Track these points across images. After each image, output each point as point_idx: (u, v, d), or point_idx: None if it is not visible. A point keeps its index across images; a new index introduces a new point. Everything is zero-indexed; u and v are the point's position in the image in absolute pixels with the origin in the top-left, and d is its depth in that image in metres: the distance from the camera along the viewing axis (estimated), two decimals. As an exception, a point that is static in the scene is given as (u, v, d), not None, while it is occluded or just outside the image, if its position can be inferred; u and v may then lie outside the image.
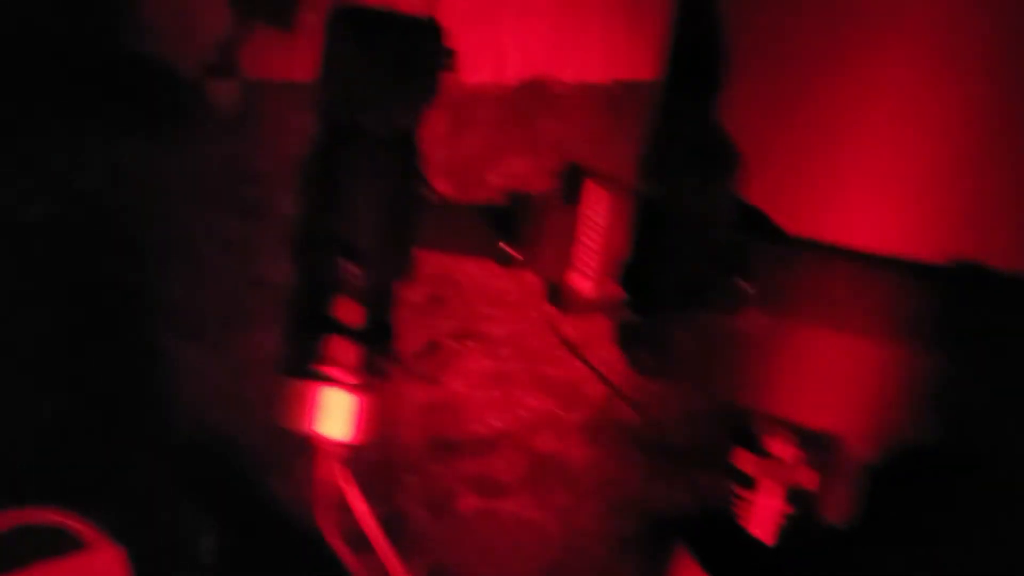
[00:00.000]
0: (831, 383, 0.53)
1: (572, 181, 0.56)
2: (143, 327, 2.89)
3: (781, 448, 0.58)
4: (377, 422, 0.58)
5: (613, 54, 4.74)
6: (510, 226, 0.57)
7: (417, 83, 0.54)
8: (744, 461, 0.60)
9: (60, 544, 0.85)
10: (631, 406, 2.59)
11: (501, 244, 0.56)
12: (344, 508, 0.63)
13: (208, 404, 2.54)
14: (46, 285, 2.62)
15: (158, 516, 2.03)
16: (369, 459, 2.50)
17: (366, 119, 0.53)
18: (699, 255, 0.51)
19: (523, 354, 2.83)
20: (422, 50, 0.54)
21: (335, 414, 0.58)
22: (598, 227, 0.53)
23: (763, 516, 0.60)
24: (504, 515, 2.19)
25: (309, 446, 0.66)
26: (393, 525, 2.32)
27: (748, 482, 0.60)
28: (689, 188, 0.52)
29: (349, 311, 0.58)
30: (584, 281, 0.54)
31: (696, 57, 0.55)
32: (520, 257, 0.56)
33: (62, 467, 2.02)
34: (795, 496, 0.59)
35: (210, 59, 4.21)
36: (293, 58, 4.59)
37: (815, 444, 0.58)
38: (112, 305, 2.89)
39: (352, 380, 0.57)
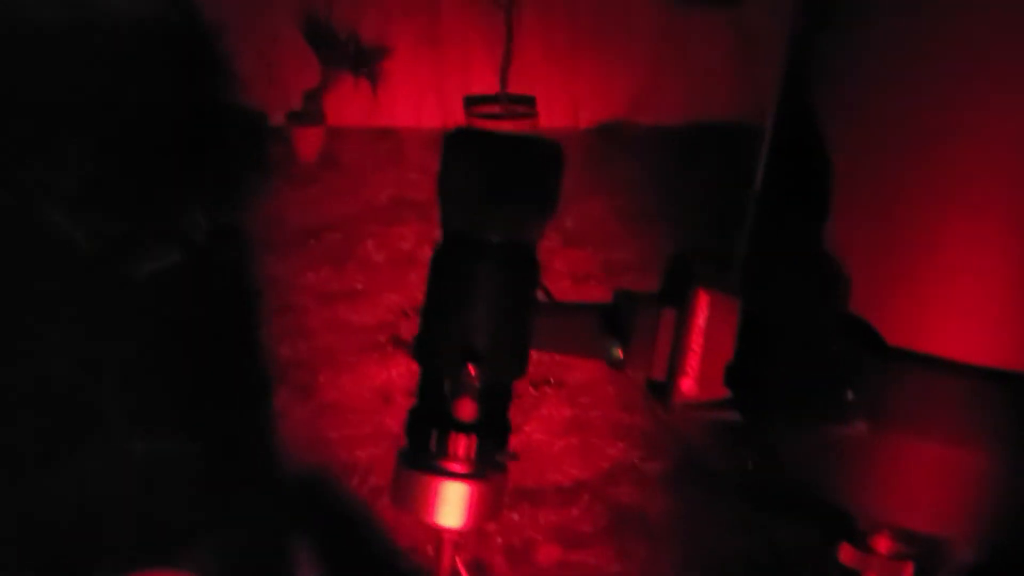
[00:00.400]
0: (933, 489, 0.53)
1: (678, 281, 0.57)
2: (233, 371, 3.00)
3: (886, 546, 0.58)
4: (493, 509, 0.60)
5: (689, 98, 4.74)
6: (618, 326, 0.59)
7: (538, 201, 0.57)
8: (848, 555, 0.60)
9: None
10: (711, 467, 2.52)
11: (611, 346, 0.58)
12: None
13: (294, 444, 2.61)
14: (144, 333, 2.75)
15: (261, 555, 2.09)
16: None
17: (488, 233, 0.56)
18: (804, 363, 0.52)
19: (602, 401, 2.83)
20: (544, 171, 0.57)
21: (451, 504, 0.61)
22: (704, 329, 0.55)
23: None
24: (584, 566, 2.19)
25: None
26: (473, 573, 2.34)
27: (850, 574, 0.60)
28: (793, 297, 0.53)
29: (467, 408, 0.60)
30: (689, 382, 0.56)
31: (797, 170, 0.56)
32: (627, 357, 0.58)
33: (165, 507, 2.10)
34: None
35: (296, 107, 4.37)
36: (374, 106, 4.73)
37: (918, 545, 0.58)
38: (205, 351, 3.01)
39: (468, 472, 0.59)
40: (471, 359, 0.58)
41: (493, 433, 0.61)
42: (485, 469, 0.61)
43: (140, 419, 2.35)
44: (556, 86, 4.37)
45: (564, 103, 4.45)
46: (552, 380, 2.81)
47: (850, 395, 0.52)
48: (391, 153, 4.18)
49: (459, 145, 0.58)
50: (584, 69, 4.39)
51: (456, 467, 0.60)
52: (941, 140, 0.52)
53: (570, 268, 3.35)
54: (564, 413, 2.70)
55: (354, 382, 2.84)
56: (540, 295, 0.63)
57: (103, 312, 2.44)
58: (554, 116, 4.42)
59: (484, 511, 0.61)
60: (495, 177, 0.57)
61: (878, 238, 0.54)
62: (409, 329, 3.05)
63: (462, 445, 0.60)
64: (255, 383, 2.79)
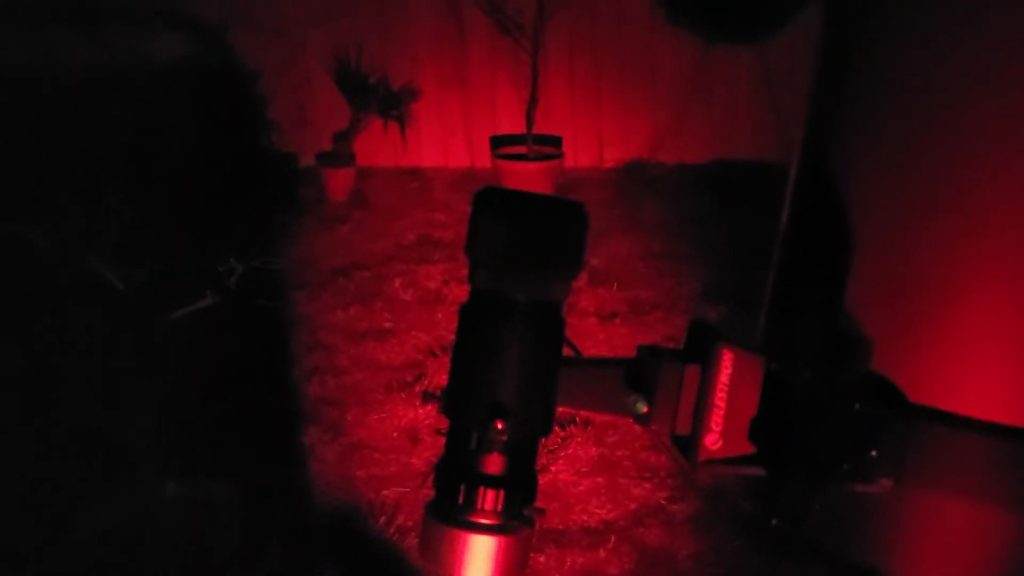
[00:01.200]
0: (958, 548, 0.54)
1: (701, 340, 0.59)
2: (264, 409, 3.04)
3: None
4: (521, 564, 0.62)
5: (712, 136, 4.78)
6: (642, 381, 0.61)
7: (564, 262, 0.60)
8: None
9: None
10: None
11: (635, 402, 0.60)
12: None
13: (323, 483, 2.64)
14: (176, 375, 2.80)
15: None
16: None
17: (514, 291, 0.59)
18: (828, 421, 0.53)
19: (628, 441, 2.83)
20: (569, 231, 0.60)
21: (478, 558, 0.63)
22: (728, 385, 0.57)
23: None
24: (612, 609, 2.18)
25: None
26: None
27: None
28: (815, 356, 0.55)
29: (494, 463, 0.63)
30: (714, 437, 0.57)
31: (821, 222, 0.58)
32: (652, 412, 0.60)
33: (197, 547, 2.13)
34: None
35: (326, 148, 4.46)
36: (402, 147, 4.81)
37: None
38: (236, 390, 3.05)
39: (495, 526, 0.61)
40: (498, 415, 0.61)
41: (520, 487, 0.63)
42: (512, 523, 0.63)
43: (172, 460, 2.39)
44: (581, 126, 4.43)
45: (589, 143, 4.51)
46: (578, 419, 2.81)
47: (874, 453, 0.53)
48: (419, 193, 4.25)
49: (487, 205, 0.61)
50: (608, 109, 4.44)
51: (483, 521, 0.62)
52: (967, 191, 0.53)
53: (596, 306, 3.37)
54: (590, 453, 2.70)
55: (381, 421, 2.86)
56: (565, 349, 0.66)
57: (136, 354, 2.50)
58: (579, 156, 4.47)
59: (511, 566, 0.63)
60: (522, 239, 0.60)
61: (900, 296, 0.56)
62: (435, 368, 3.08)
63: (489, 499, 0.62)
64: (285, 421, 2.83)
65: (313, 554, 2.25)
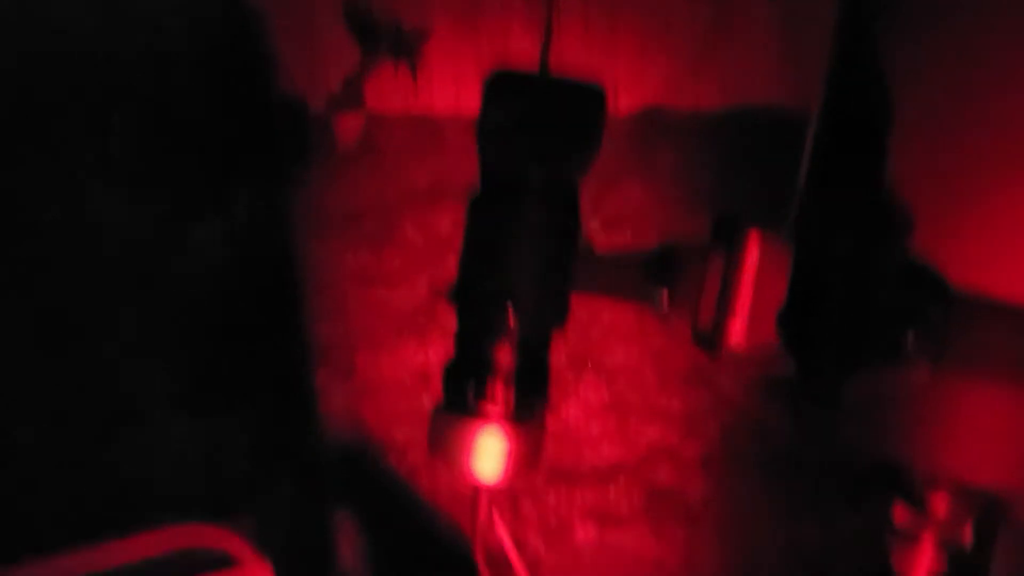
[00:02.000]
0: (997, 441, 0.51)
1: (728, 228, 0.56)
2: (273, 351, 3.05)
3: (942, 505, 0.56)
4: (532, 459, 0.60)
5: (730, 82, 4.69)
6: (663, 271, 0.58)
7: (578, 135, 0.57)
8: (902, 515, 0.58)
9: (212, 561, 0.91)
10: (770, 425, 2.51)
11: (655, 290, 0.57)
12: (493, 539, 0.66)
13: (333, 423, 2.65)
14: (186, 312, 2.80)
15: (302, 527, 2.13)
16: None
17: (528, 170, 0.56)
18: (862, 307, 0.50)
19: (641, 385, 2.82)
20: (584, 105, 0.57)
21: (488, 452, 0.61)
22: (755, 272, 0.53)
23: (919, 571, 0.58)
24: (621, 547, 2.18)
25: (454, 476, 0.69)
26: (509, 530, 2.35)
27: (904, 537, 0.58)
28: (850, 239, 0.52)
29: (505, 354, 0.60)
30: (739, 329, 0.54)
31: (854, 106, 0.54)
32: (673, 302, 0.57)
33: (206, 483, 2.15)
34: (952, 556, 0.57)
35: (336, 92, 4.40)
36: (414, 92, 4.75)
37: (978, 504, 0.56)
38: (247, 334, 3.06)
39: (506, 420, 0.59)
40: (511, 302, 0.58)
41: (532, 380, 0.61)
42: (523, 416, 0.61)
43: (181, 398, 2.39)
44: (596, 72, 4.35)
45: (605, 89, 4.43)
46: (590, 363, 2.80)
47: (911, 339, 0.50)
48: (430, 137, 4.19)
49: (499, 83, 0.58)
50: (623, 54, 4.36)
51: (494, 413, 0.60)
52: None
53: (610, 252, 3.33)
54: (602, 396, 2.69)
55: (392, 364, 2.85)
56: (585, 244, 0.62)
57: (146, 292, 2.48)
58: (593, 101, 4.40)
59: (521, 459, 0.61)
60: (535, 111, 0.57)
61: (944, 172, 0.52)
62: (446, 312, 3.06)
63: (500, 391, 0.60)
64: (295, 363, 2.82)
65: (324, 487, 2.26)
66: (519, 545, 2.18)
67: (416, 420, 2.81)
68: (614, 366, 2.89)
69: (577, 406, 2.70)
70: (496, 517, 0.65)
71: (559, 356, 2.75)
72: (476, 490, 0.63)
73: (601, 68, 5.08)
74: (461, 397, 0.59)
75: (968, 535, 0.57)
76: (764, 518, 2.13)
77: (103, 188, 1.86)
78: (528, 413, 0.60)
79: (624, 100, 4.88)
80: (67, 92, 2.31)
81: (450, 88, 4.78)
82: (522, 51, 4.64)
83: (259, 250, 3.07)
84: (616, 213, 3.67)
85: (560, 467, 2.37)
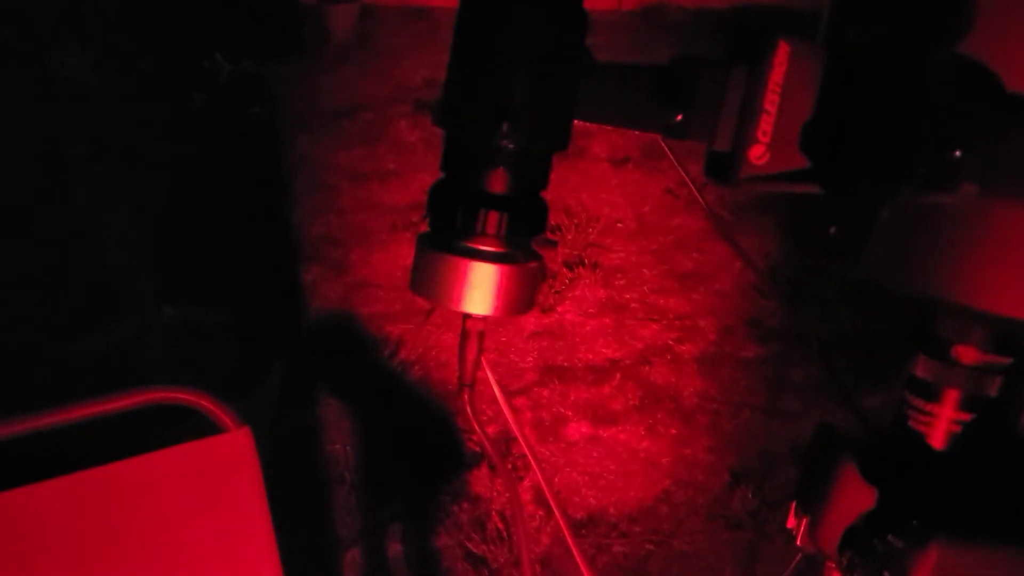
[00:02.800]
0: None
1: (751, 39, 0.49)
2: (268, 247, 2.99)
3: (967, 352, 0.51)
4: (525, 300, 0.54)
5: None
6: (677, 88, 0.50)
7: None
8: (924, 367, 0.53)
9: (198, 426, 0.88)
10: (764, 283, 2.45)
11: (669, 113, 0.50)
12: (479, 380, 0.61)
13: (325, 318, 2.61)
14: (175, 203, 2.73)
15: (291, 415, 2.11)
16: (481, 380, 2.52)
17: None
18: (902, 115, 0.43)
19: (637, 284, 2.76)
20: None
21: (479, 288, 0.54)
22: (782, 86, 0.46)
23: (940, 427, 0.53)
24: (614, 443, 2.17)
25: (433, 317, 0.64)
26: (503, 445, 2.35)
27: (927, 390, 0.53)
28: (894, 38, 0.44)
29: (499, 179, 0.53)
30: (760, 149, 0.48)
31: None
32: (687, 121, 0.50)
33: (195, 373, 2.12)
34: (977, 404, 0.52)
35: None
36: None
37: (1010, 342, 0.51)
38: (237, 224, 3.00)
39: (498, 253, 0.53)
40: (505, 118, 0.50)
41: (528, 211, 0.54)
42: (518, 252, 0.54)
43: (169, 286, 2.34)
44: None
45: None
46: (587, 261, 2.75)
47: (958, 153, 0.43)
48: (427, 33, 4.04)
49: None
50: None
51: (485, 246, 0.53)
52: None
53: (609, 152, 3.25)
54: (598, 294, 2.65)
55: (385, 260, 2.80)
56: (587, 59, 0.55)
57: (133, 181, 2.41)
58: (596, -3, 4.23)
59: (515, 299, 0.55)
60: None
61: None
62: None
63: (492, 222, 0.53)
64: (287, 258, 2.77)
65: (314, 379, 2.24)
66: (512, 439, 2.17)
67: (408, 317, 2.78)
68: (612, 265, 2.83)
69: (573, 305, 2.65)
70: (484, 363, 0.59)
71: (556, 252, 2.69)
72: (464, 328, 0.57)
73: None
74: (448, 231, 0.53)
75: (994, 387, 0.52)
76: (756, 416, 2.12)
77: (78, 53, 1.76)
78: (523, 246, 0.54)
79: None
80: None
81: (447, -22, 4.54)
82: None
83: (247, 140, 2.97)
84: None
85: (554, 364, 2.34)
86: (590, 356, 2.44)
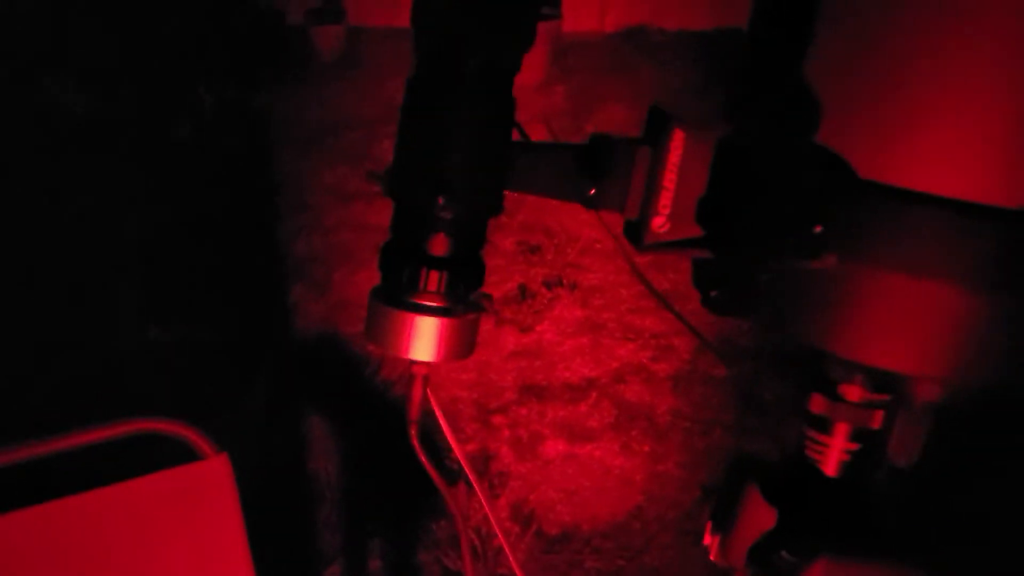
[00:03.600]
0: (901, 325, 0.52)
1: (655, 123, 0.56)
2: (252, 266, 3.04)
3: (852, 391, 0.59)
4: (465, 347, 0.61)
5: (716, 1, 4.59)
6: (593, 165, 0.58)
7: (515, 23, 0.55)
8: (819, 405, 0.61)
9: (177, 453, 0.93)
10: (717, 355, 2.56)
11: (585, 184, 0.57)
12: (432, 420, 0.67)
13: (309, 337, 2.66)
14: (162, 224, 2.78)
15: (274, 433, 2.16)
16: (460, 399, 2.60)
17: (463, 55, 0.55)
18: (774, 197, 0.50)
19: (614, 304, 2.83)
20: None
21: (422, 339, 0.61)
22: (678, 166, 0.54)
23: (831, 456, 0.61)
24: (589, 460, 2.23)
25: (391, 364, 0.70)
26: (480, 463, 2.40)
27: (821, 424, 0.60)
28: (769, 134, 0.52)
29: (439, 243, 0.60)
30: (661, 220, 0.55)
31: (780, 6, 0.54)
32: (600, 195, 0.57)
33: (174, 386, 2.16)
34: (863, 436, 0.60)
35: (315, 5, 4.29)
36: (395, 5, 4.63)
37: (885, 385, 0.58)
38: (222, 243, 3.05)
39: (439, 308, 0.60)
40: (443, 191, 0.58)
41: (465, 269, 0.61)
42: (457, 305, 0.61)
43: (155, 307, 2.39)
44: (582, -14, 4.25)
45: (590, 5, 4.33)
46: (565, 282, 2.81)
47: (819, 228, 0.51)
48: (410, 54, 4.11)
49: None
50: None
51: (428, 302, 0.60)
52: None
53: (589, 173, 3.31)
54: (576, 314, 2.71)
55: (369, 280, 2.85)
56: (516, 137, 0.62)
57: (120, 199, 2.46)
58: (580, 19, 4.31)
59: (455, 346, 0.62)
60: (467, 2, 0.55)
61: (852, 65, 0.52)
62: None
63: (433, 280, 0.60)
64: (271, 277, 2.82)
65: (298, 397, 2.29)
66: (491, 457, 2.23)
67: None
68: (590, 285, 2.90)
69: (552, 324, 2.71)
70: (431, 398, 0.66)
71: (535, 272, 2.75)
72: (410, 374, 0.64)
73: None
74: (396, 287, 0.59)
75: (878, 420, 0.59)
76: (728, 432, 2.18)
77: (61, 81, 1.81)
78: (462, 302, 0.60)
79: (611, 18, 4.78)
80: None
81: None
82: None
83: (232, 161, 3.03)
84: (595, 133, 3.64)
85: (532, 383, 2.40)
86: (567, 375, 2.50)
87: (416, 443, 0.66)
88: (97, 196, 2.17)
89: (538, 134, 3.52)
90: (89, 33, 1.84)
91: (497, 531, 1.66)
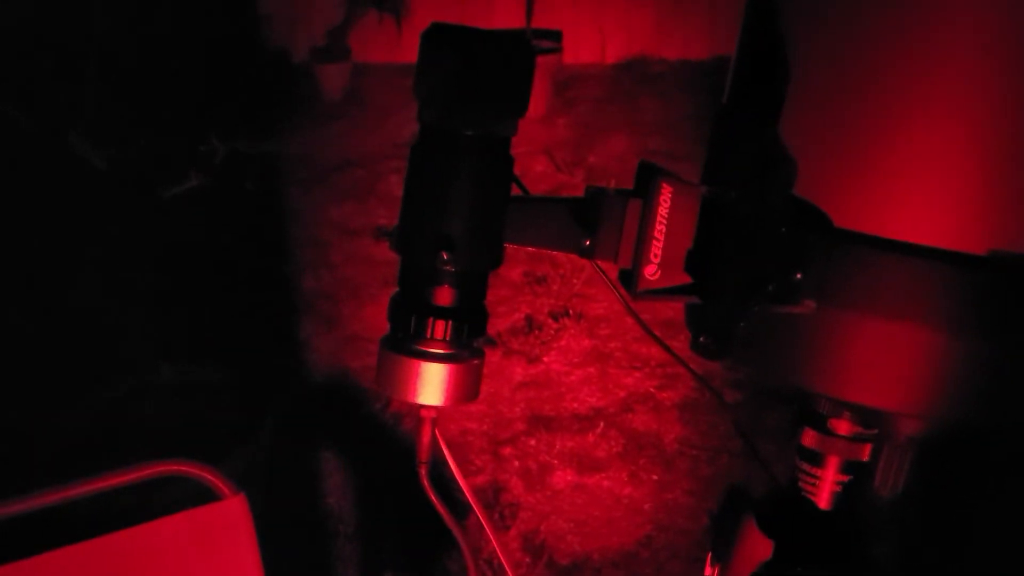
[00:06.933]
0: (878, 365, 0.55)
1: (645, 177, 0.60)
2: (261, 303, 3.08)
3: (841, 425, 0.62)
4: (470, 391, 0.64)
5: (716, 32, 4.66)
6: (587, 218, 0.61)
7: (510, 96, 0.60)
8: (811, 439, 0.64)
9: (194, 494, 0.95)
10: (711, 392, 2.57)
11: (579, 235, 0.61)
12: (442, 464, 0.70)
13: (317, 371, 2.69)
14: (170, 263, 2.83)
15: (286, 470, 2.18)
16: (470, 431, 2.62)
17: (460, 125, 0.59)
18: (758, 249, 0.54)
19: (620, 334, 2.86)
20: (516, 65, 0.59)
21: (430, 384, 0.65)
22: (666, 218, 0.57)
23: (824, 488, 0.64)
24: (598, 490, 2.25)
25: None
26: (490, 494, 2.41)
27: (813, 457, 0.64)
28: (749, 187, 0.56)
29: (443, 294, 0.64)
30: (652, 268, 0.58)
31: (756, 65, 0.58)
32: (595, 246, 0.61)
33: (192, 429, 2.19)
34: (853, 467, 0.63)
35: (320, 44, 4.36)
36: (400, 42, 4.71)
37: (872, 420, 0.61)
38: (229, 281, 3.09)
39: (445, 354, 0.63)
40: (445, 247, 0.61)
41: (469, 318, 0.64)
42: (462, 352, 0.65)
43: (166, 345, 2.43)
44: (582, 20, 4.32)
45: (590, 38, 4.40)
46: (571, 312, 2.84)
47: (798, 275, 0.55)
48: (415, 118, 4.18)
49: (435, 40, 0.60)
50: (611, 3, 4.32)
51: (434, 349, 0.64)
52: (897, 31, 0.53)
53: (592, 203, 3.35)
54: (583, 344, 2.74)
55: (376, 314, 2.89)
56: (516, 190, 0.66)
57: (126, 239, 2.51)
58: (580, 51, 4.38)
59: (462, 391, 0.65)
60: (469, 72, 0.59)
61: (824, 124, 0.56)
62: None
63: (439, 329, 0.63)
64: (280, 313, 2.86)
65: (309, 433, 2.31)
66: (501, 488, 2.25)
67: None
68: (596, 315, 2.93)
69: (559, 355, 2.74)
70: (440, 440, 0.69)
71: (541, 302, 2.77)
72: (420, 418, 0.67)
73: (588, 19, 5.03)
74: (405, 336, 0.63)
75: (867, 452, 0.63)
76: (735, 460, 2.20)
77: (72, 128, 1.87)
78: (466, 348, 0.64)
79: (612, 49, 4.85)
80: (36, 41, 2.29)
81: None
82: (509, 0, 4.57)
83: (240, 203, 3.08)
84: (599, 164, 3.68)
85: (541, 414, 2.42)
86: (575, 405, 2.52)
87: (427, 483, 0.69)
88: (113, 242, 2.21)
89: (541, 165, 3.57)
90: (103, 89, 1.89)
91: (506, 565, 1.68)
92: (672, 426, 2.41)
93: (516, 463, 2.30)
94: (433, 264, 0.61)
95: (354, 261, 3.17)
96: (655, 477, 2.22)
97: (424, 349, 0.63)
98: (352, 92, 4.17)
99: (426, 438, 0.68)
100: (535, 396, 2.52)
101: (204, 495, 1.05)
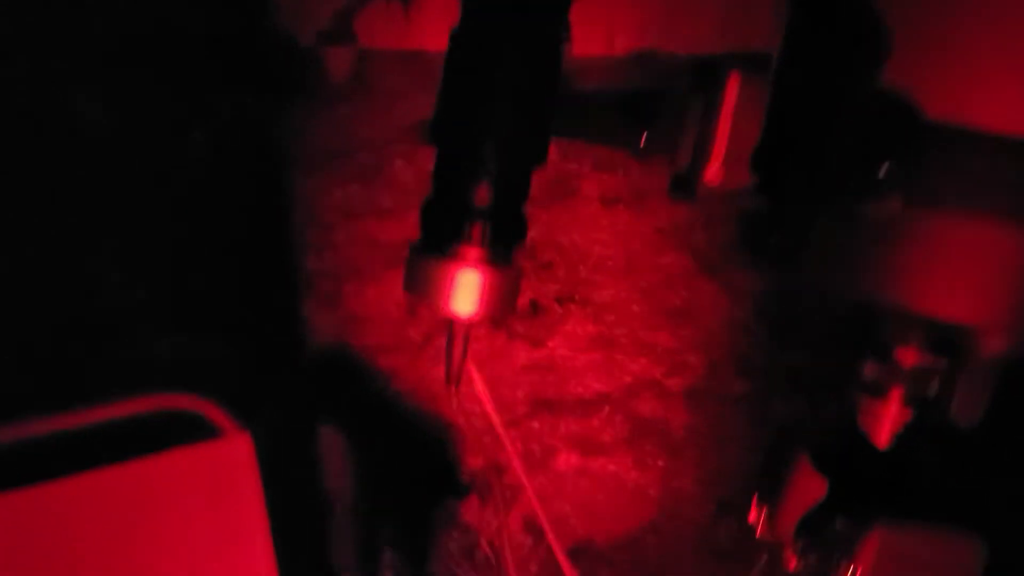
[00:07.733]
0: (968, 272, 0.49)
1: (707, 70, 0.55)
2: (259, 280, 3.04)
3: (908, 355, 0.57)
4: (506, 303, 0.60)
5: (727, 25, 4.61)
6: (643, 116, 0.57)
7: None
8: (871, 369, 0.59)
9: (196, 431, 0.91)
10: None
11: (634, 132, 0.57)
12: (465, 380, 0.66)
13: (319, 350, 2.66)
14: (171, 236, 2.78)
15: (288, 447, 2.14)
16: (472, 412, 2.57)
17: (512, 8, 0.55)
18: (835, 139, 0.49)
19: (627, 320, 2.83)
20: None
21: (464, 291, 0.60)
22: (733, 113, 0.53)
23: (885, 423, 0.58)
24: (603, 473, 2.20)
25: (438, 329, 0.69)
26: (492, 476, 2.37)
27: (875, 390, 0.58)
28: (829, 72, 0.51)
29: (483, 193, 0.59)
30: (715, 169, 0.54)
31: None
32: (650, 144, 0.56)
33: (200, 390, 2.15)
34: (917, 404, 0.58)
35: (326, 28, 4.31)
36: (407, 27, 4.66)
37: (946, 343, 0.56)
38: (235, 262, 3.05)
39: (482, 259, 0.59)
40: (488, 138, 0.57)
41: (509, 223, 0.60)
42: (500, 259, 0.60)
43: (166, 321, 2.38)
44: (591, 11, 4.28)
45: (599, 29, 4.37)
46: (577, 298, 2.80)
47: (884, 171, 0.49)
48: (422, 75, 4.14)
49: None
50: (620, -6, 4.29)
51: (470, 254, 0.59)
52: None
53: (600, 192, 3.32)
54: (589, 330, 2.70)
55: (379, 295, 2.85)
56: (565, 85, 0.62)
57: (131, 214, 2.46)
58: (589, 43, 4.34)
59: (497, 301, 0.61)
60: None
61: (921, 7, 0.51)
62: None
63: (477, 231, 0.59)
64: (282, 291, 2.81)
65: (310, 411, 2.27)
66: (501, 470, 2.20)
67: (401, 351, 2.82)
68: (602, 301, 2.89)
69: (564, 339, 2.70)
70: (473, 369, 0.64)
71: (547, 288, 2.74)
72: (451, 329, 0.63)
73: (597, 10, 5.00)
74: (437, 237, 0.59)
75: (934, 387, 0.57)
76: (742, 447, 2.16)
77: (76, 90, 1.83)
78: (505, 254, 0.60)
79: (620, 41, 4.81)
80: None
81: (442, 23, 4.67)
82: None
83: (246, 178, 3.03)
84: (606, 156, 3.64)
85: (545, 398, 2.39)
86: (580, 390, 2.48)
87: (455, 404, 0.65)
88: (115, 212, 2.17)
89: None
90: (108, 45, 1.85)
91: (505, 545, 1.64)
92: (678, 412, 2.37)
93: (519, 446, 2.26)
94: (474, 160, 0.57)
95: (358, 243, 3.12)
96: (661, 463, 2.18)
97: (460, 253, 0.59)
98: (358, 77, 4.12)
99: (457, 353, 0.64)
100: (539, 380, 2.48)
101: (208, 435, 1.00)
